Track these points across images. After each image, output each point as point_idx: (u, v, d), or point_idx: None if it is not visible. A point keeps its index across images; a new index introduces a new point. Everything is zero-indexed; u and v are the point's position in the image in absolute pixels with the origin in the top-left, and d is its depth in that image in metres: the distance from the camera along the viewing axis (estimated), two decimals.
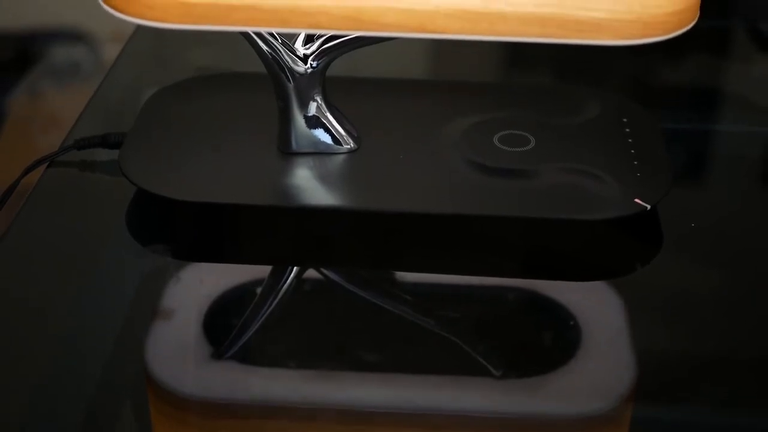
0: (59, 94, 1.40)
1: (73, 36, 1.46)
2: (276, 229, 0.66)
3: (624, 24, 0.56)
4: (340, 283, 0.64)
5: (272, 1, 0.57)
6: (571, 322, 0.60)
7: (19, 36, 1.46)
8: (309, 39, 0.66)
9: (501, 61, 0.93)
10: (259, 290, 0.63)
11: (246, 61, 0.70)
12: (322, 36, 0.66)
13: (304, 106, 0.67)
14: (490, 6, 0.56)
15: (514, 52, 0.91)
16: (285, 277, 0.63)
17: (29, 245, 0.65)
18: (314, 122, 0.67)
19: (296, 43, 0.66)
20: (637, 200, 0.64)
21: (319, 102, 0.67)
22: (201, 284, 0.63)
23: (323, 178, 0.67)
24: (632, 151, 0.69)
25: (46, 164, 0.70)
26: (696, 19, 0.59)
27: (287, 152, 0.68)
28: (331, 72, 0.67)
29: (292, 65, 0.66)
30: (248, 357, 0.58)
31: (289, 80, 0.66)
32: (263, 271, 0.64)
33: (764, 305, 0.62)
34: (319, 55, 0.66)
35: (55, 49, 1.45)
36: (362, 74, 0.78)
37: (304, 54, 0.66)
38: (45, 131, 1.27)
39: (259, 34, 0.64)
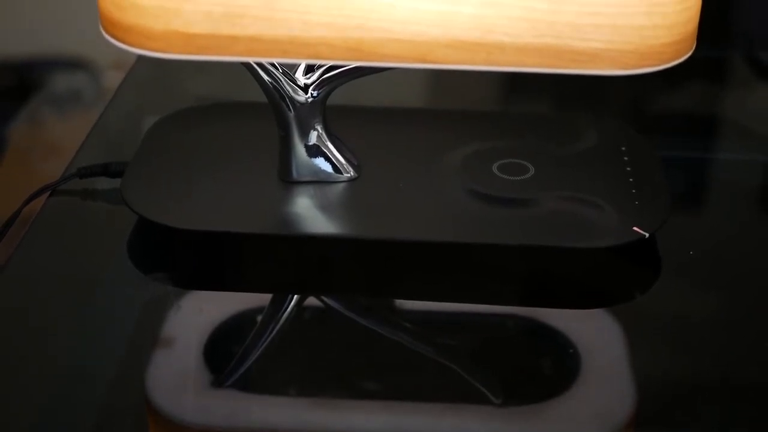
0: (60, 121, 1.40)
1: (74, 64, 1.46)
2: (276, 257, 0.66)
3: (621, 54, 0.57)
4: (341, 310, 0.64)
5: (273, 32, 0.57)
6: (571, 350, 0.60)
7: (20, 64, 1.46)
8: (310, 69, 0.67)
9: (500, 89, 0.93)
10: (259, 318, 0.63)
11: (247, 89, 0.71)
12: (322, 66, 0.66)
13: (304, 135, 0.67)
14: (488, 37, 0.57)
15: (513, 80, 0.92)
16: (285, 305, 0.64)
17: (32, 273, 0.65)
18: (315, 151, 0.68)
19: (297, 72, 0.67)
20: (635, 228, 0.64)
21: (320, 131, 0.68)
22: (201, 312, 0.63)
23: (324, 207, 0.67)
24: (631, 179, 0.69)
25: (49, 193, 0.71)
26: (692, 49, 0.60)
27: (288, 181, 0.68)
28: (331, 101, 0.68)
29: (293, 95, 0.66)
30: (248, 385, 0.59)
31: (289, 109, 0.67)
32: (264, 298, 0.64)
33: (763, 331, 0.62)
34: (320, 84, 0.66)
35: (56, 77, 1.46)
36: (362, 102, 0.79)
37: (304, 83, 0.66)
38: (46, 159, 1.27)
39: (260, 64, 0.65)
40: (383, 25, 0.57)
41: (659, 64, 0.58)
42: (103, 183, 0.72)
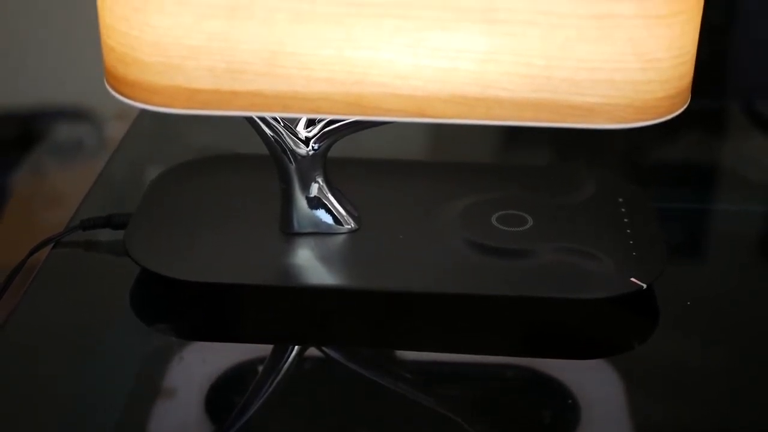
0: (62, 171, 1.41)
1: (76, 114, 1.47)
2: (278, 309, 0.67)
3: (617, 108, 0.58)
4: (341, 361, 0.65)
5: (274, 88, 0.58)
6: (570, 400, 0.60)
7: (23, 113, 1.47)
8: (311, 122, 0.68)
9: (498, 141, 0.94)
10: (260, 369, 0.63)
11: (249, 141, 0.72)
12: (323, 119, 0.67)
13: (305, 188, 0.68)
14: (486, 92, 0.58)
15: (511, 131, 0.93)
16: (286, 356, 0.64)
17: (35, 324, 0.65)
18: (316, 203, 0.69)
19: (298, 126, 0.68)
20: (633, 279, 0.65)
21: (321, 183, 0.68)
22: (203, 363, 0.63)
23: (324, 258, 0.68)
24: (628, 230, 0.70)
25: (52, 244, 0.71)
26: (687, 103, 0.61)
27: (289, 232, 0.69)
28: (332, 153, 0.68)
29: (294, 148, 0.67)
30: None
31: (291, 162, 0.67)
32: (265, 349, 0.65)
33: (761, 381, 0.62)
34: (321, 137, 0.67)
35: (59, 127, 1.47)
36: (363, 155, 0.80)
37: (305, 137, 0.67)
38: (48, 209, 1.28)
39: (261, 118, 0.66)
40: (383, 81, 0.58)
41: (655, 118, 0.59)
42: (106, 234, 0.72)
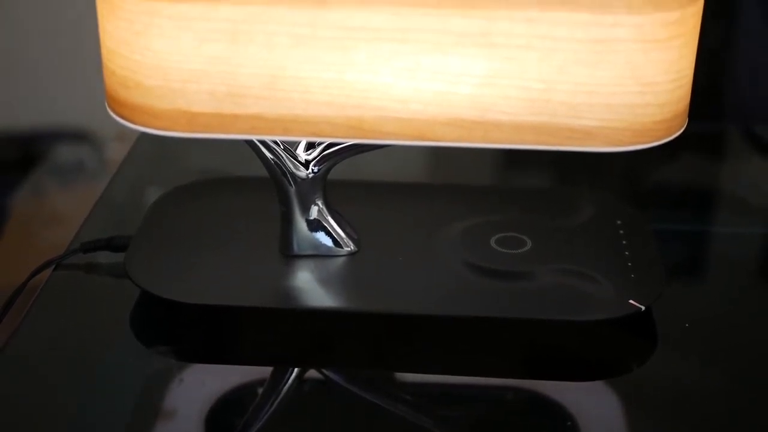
0: (63, 193, 1.41)
1: (77, 135, 1.47)
2: (277, 331, 0.67)
3: (615, 132, 0.58)
4: (341, 383, 0.65)
5: (275, 111, 0.58)
6: (569, 422, 0.60)
7: (23, 135, 1.48)
8: (311, 145, 0.68)
9: (497, 163, 0.94)
10: (260, 391, 0.63)
11: (249, 163, 0.72)
12: (323, 142, 0.67)
13: (305, 210, 0.68)
14: (485, 115, 0.58)
15: (511, 154, 0.93)
16: (286, 379, 0.64)
17: (36, 346, 0.65)
18: (315, 226, 0.69)
19: (298, 149, 0.68)
20: (631, 302, 0.65)
21: (320, 206, 0.69)
22: (203, 385, 0.63)
23: (324, 281, 0.68)
24: (626, 252, 0.70)
25: (53, 267, 0.72)
26: (684, 126, 0.61)
27: (289, 255, 0.69)
28: (331, 176, 0.69)
29: (294, 170, 0.67)
30: None
31: (291, 185, 0.68)
32: (265, 371, 0.65)
33: (760, 403, 0.62)
34: (321, 160, 0.68)
35: (59, 149, 1.47)
36: (362, 177, 0.80)
37: (305, 160, 0.68)
38: (49, 230, 1.28)
39: (262, 141, 0.66)
40: (383, 104, 0.58)
41: (652, 141, 0.59)
42: (106, 257, 0.73)
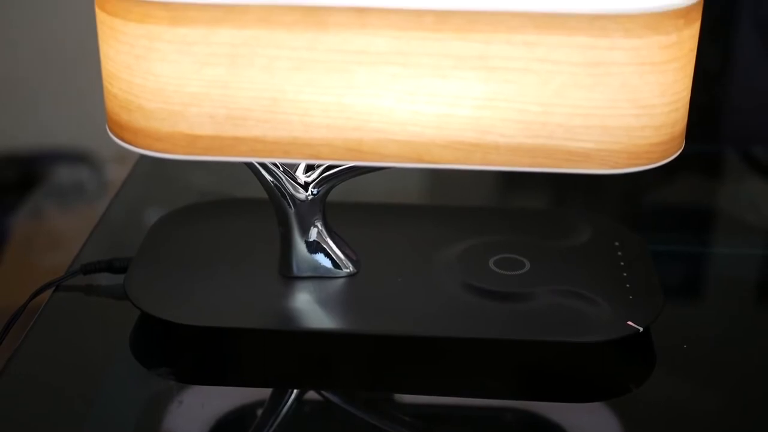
0: (63, 214, 1.41)
1: (76, 157, 1.48)
2: (277, 352, 0.67)
3: (611, 154, 0.59)
4: (341, 405, 0.65)
5: (275, 134, 0.59)
6: None
7: (23, 157, 1.48)
8: (310, 167, 0.68)
9: (496, 185, 0.95)
10: (260, 413, 0.64)
11: (249, 184, 0.72)
12: (322, 164, 0.68)
13: (304, 232, 0.69)
14: (483, 138, 0.58)
15: (509, 175, 0.93)
16: (285, 400, 0.64)
17: (36, 368, 0.66)
18: (315, 247, 0.69)
19: (297, 171, 0.68)
20: (629, 323, 0.65)
21: (320, 227, 0.69)
22: (202, 407, 0.63)
23: (323, 302, 0.68)
24: (624, 273, 0.70)
25: (53, 288, 0.72)
26: (681, 149, 0.61)
27: (288, 276, 0.70)
28: (330, 197, 0.69)
29: (294, 192, 0.68)
30: None
31: (290, 206, 0.68)
32: (264, 393, 0.65)
33: (758, 424, 0.62)
34: (320, 182, 0.68)
35: (59, 170, 1.47)
36: (361, 199, 0.80)
37: (305, 182, 0.68)
38: (49, 252, 1.28)
39: (261, 163, 0.67)
40: (382, 127, 0.59)
41: (648, 164, 0.60)
42: (106, 278, 0.73)
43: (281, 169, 0.67)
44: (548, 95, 0.57)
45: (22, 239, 1.34)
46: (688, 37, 0.58)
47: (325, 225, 0.69)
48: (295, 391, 0.65)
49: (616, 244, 0.74)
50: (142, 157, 0.93)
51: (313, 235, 0.69)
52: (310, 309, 0.68)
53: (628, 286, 0.69)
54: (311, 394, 0.65)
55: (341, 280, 0.69)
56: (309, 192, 0.68)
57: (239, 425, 0.62)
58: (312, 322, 0.68)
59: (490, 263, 0.71)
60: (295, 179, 0.68)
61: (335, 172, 0.68)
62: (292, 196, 0.68)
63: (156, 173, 0.93)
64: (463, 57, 0.57)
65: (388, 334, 0.66)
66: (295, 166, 0.68)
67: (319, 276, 0.69)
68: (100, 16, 0.59)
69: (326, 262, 0.69)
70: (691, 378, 0.66)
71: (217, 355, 0.67)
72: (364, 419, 0.64)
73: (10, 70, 1.45)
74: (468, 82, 0.57)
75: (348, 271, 0.70)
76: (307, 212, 0.68)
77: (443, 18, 0.56)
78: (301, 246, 0.69)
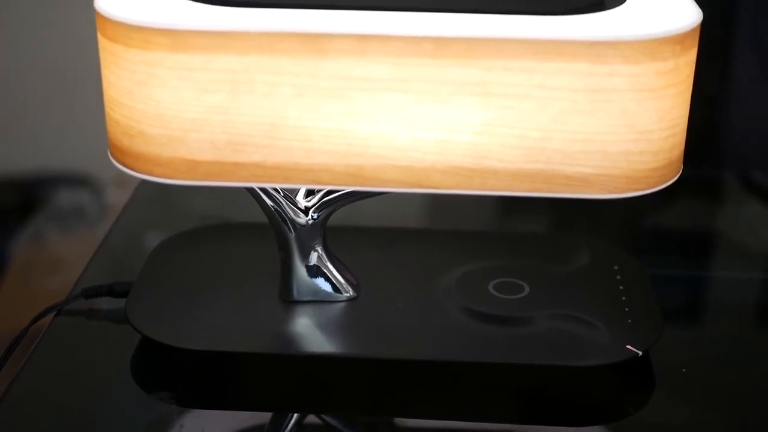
0: (63, 238, 1.41)
1: (77, 180, 1.48)
2: (277, 377, 0.67)
3: (610, 179, 0.59)
4: (341, 429, 0.65)
5: (275, 160, 0.59)
6: None
7: (24, 181, 1.48)
8: (310, 192, 0.69)
9: (495, 209, 0.95)
10: None
11: (249, 209, 0.72)
12: (323, 189, 0.68)
13: (305, 256, 0.69)
14: (482, 163, 0.59)
15: (508, 200, 0.94)
16: (286, 424, 0.64)
17: (37, 393, 0.66)
18: (315, 271, 0.69)
19: (298, 195, 0.69)
20: (628, 347, 0.65)
21: (320, 252, 0.69)
22: (203, 431, 0.63)
23: (323, 326, 0.68)
24: (623, 298, 0.70)
25: (54, 313, 0.72)
26: (679, 173, 0.62)
27: (288, 300, 0.70)
28: (331, 222, 0.69)
29: (294, 217, 0.68)
30: None
31: (290, 231, 0.68)
32: (265, 418, 0.65)
33: None
34: (320, 207, 0.68)
35: (59, 194, 1.48)
36: (361, 223, 0.80)
37: (305, 206, 0.68)
38: (49, 276, 1.28)
39: (262, 189, 0.67)
40: (382, 152, 0.59)
41: (647, 188, 0.60)
42: (107, 303, 0.73)
43: (282, 194, 0.68)
44: (547, 121, 0.58)
45: (23, 263, 1.34)
46: (685, 64, 0.58)
47: (326, 249, 0.70)
48: (295, 415, 0.65)
49: (615, 268, 0.74)
50: (143, 181, 0.94)
51: (314, 259, 0.69)
52: (310, 333, 0.68)
53: (627, 310, 0.69)
54: (311, 418, 0.65)
55: (341, 305, 0.70)
56: (309, 216, 0.68)
57: None
58: (312, 346, 0.68)
59: (490, 287, 0.71)
60: (295, 204, 0.68)
61: (336, 196, 0.68)
62: (292, 221, 0.68)
63: (157, 197, 0.94)
64: (462, 83, 0.57)
65: (388, 358, 0.66)
66: (296, 191, 0.69)
67: (320, 300, 0.70)
68: (102, 42, 0.59)
69: (326, 287, 0.70)
70: (691, 402, 0.66)
71: (217, 379, 0.67)
72: None
73: (11, 94, 1.46)
74: (468, 108, 0.58)
75: (348, 295, 0.70)
76: (307, 237, 0.69)
77: (443, 45, 0.56)
78: (301, 270, 0.69)
